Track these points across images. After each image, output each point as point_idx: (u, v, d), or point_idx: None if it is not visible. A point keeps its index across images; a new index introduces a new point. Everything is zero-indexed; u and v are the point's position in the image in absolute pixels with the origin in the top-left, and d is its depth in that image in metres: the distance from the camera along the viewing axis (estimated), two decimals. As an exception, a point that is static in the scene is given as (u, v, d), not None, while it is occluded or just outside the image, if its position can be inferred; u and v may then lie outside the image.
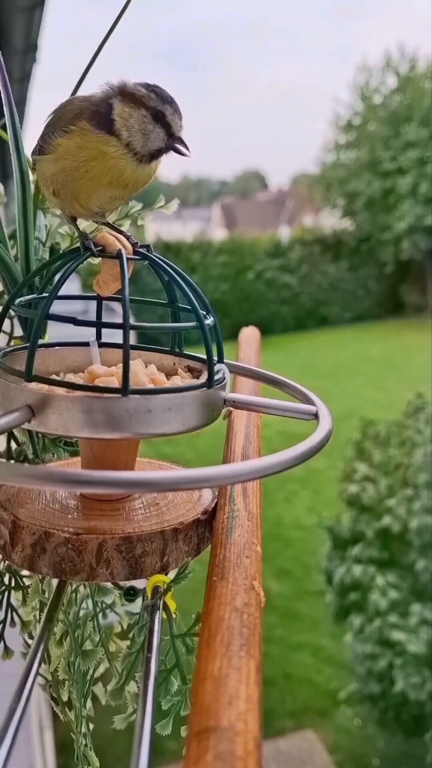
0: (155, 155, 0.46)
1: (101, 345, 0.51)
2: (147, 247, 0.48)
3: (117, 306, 0.45)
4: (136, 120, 0.45)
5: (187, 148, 0.46)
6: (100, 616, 0.56)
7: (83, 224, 0.62)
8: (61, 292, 0.44)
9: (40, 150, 0.48)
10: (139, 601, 0.53)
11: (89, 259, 0.47)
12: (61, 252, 0.60)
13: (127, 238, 0.48)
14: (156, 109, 0.45)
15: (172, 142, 0.46)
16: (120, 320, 0.41)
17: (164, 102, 0.45)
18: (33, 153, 0.50)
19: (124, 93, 0.45)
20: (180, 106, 0.46)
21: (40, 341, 0.50)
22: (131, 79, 0.46)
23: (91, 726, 0.55)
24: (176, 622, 0.49)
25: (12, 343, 0.59)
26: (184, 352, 0.53)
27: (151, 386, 0.45)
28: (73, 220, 0.50)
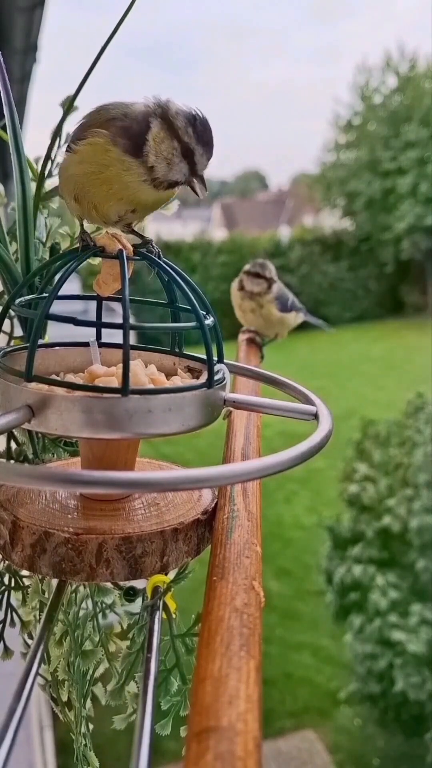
0: (172, 185, 0.47)
1: (101, 345, 0.51)
2: (150, 242, 0.48)
3: (117, 306, 0.45)
4: (166, 149, 0.45)
5: (205, 189, 0.47)
6: (99, 616, 0.56)
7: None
8: (61, 292, 0.44)
9: (68, 148, 0.48)
10: (139, 601, 0.53)
11: (89, 259, 0.47)
12: (61, 252, 0.60)
13: (149, 243, 0.48)
14: (187, 146, 0.45)
15: (192, 179, 0.47)
16: (120, 320, 0.41)
17: (197, 141, 0.46)
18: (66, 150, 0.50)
19: (165, 118, 0.45)
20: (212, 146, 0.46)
21: (40, 341, 0.50)
22: (177, 103, 0.46)
23: (91, 726, 0.55)
24: (176, 622, 0.49)
25: (12, 343, 0.59)
26: (184, 352, 0.53)
27: (151, 386, 0.45)
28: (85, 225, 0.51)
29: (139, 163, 0.45)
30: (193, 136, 0.45)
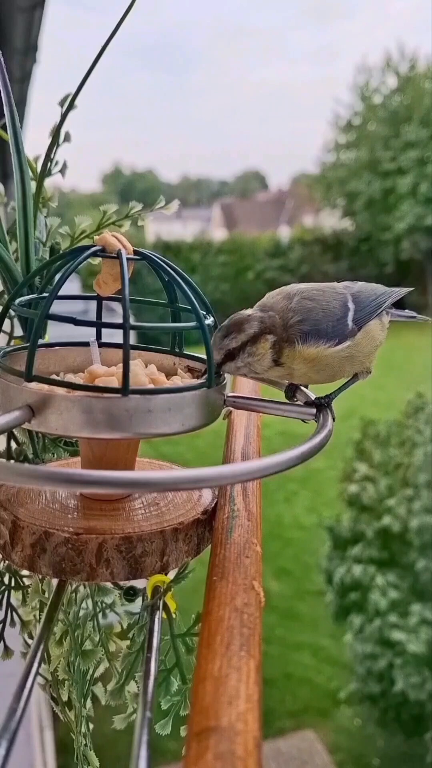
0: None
1: (101, 345, 0.51)
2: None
3: (117, 306, 0.45)
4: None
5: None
6: (100, 616, 0.56)
7: (86, 222, 0.62)
8: (61, 292, 0.44)
9: None
10: (139, 601, 0.53)
11: (89, 259, 0.47)
12: (61, 252, 0.60)
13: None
14: None
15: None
16: (120, 320, 0.41)
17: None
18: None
19: None
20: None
21: (40, 341, 0.50)
22: None
23: (91, 726, 0.55)
24: (176, 622, 0.49)
25: (12, 343, 0.59)
26: (184, 352, 0.53)
27: (151, 386, 0.45)
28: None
29: None
30: None
